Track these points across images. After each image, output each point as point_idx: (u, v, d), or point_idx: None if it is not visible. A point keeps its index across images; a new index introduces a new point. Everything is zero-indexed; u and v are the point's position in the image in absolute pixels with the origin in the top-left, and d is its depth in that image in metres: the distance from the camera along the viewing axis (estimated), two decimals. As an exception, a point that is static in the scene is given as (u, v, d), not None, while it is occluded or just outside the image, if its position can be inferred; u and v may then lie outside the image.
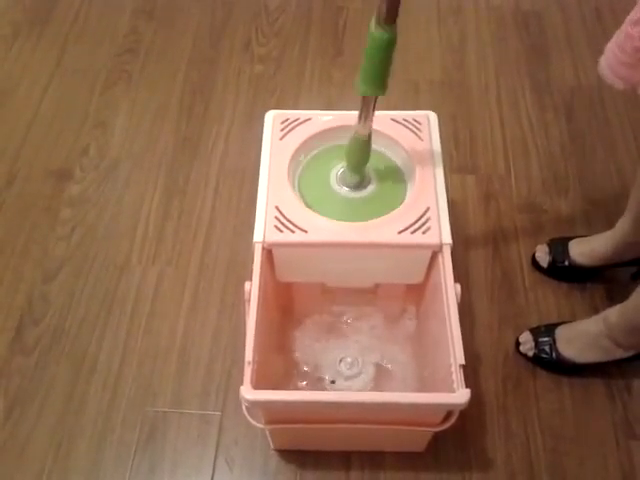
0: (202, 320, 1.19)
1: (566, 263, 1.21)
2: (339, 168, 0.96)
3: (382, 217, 0.89)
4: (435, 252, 0.89)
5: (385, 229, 0.87)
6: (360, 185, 0.94)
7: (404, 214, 0.89)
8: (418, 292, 1.01)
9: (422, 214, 0.89)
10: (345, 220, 0.89)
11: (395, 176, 0.98)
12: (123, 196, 1.38)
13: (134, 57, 1.64)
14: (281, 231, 0.86)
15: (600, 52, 0.82)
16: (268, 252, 0.89)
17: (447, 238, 0.87)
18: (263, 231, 0.87)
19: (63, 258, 1.28)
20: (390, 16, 0.70)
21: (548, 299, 1.22)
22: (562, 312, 1.20)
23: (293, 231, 0.86)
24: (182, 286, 1.24)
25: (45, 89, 1.58)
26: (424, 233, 0.87)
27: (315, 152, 1.00)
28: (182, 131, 1.50)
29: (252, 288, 0.83)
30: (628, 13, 0.78)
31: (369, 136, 0.88)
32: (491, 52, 1.66)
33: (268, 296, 0.94)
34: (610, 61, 0.78)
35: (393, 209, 0.90)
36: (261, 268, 0.85)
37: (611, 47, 0.79)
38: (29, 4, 1.78)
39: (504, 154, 1.45)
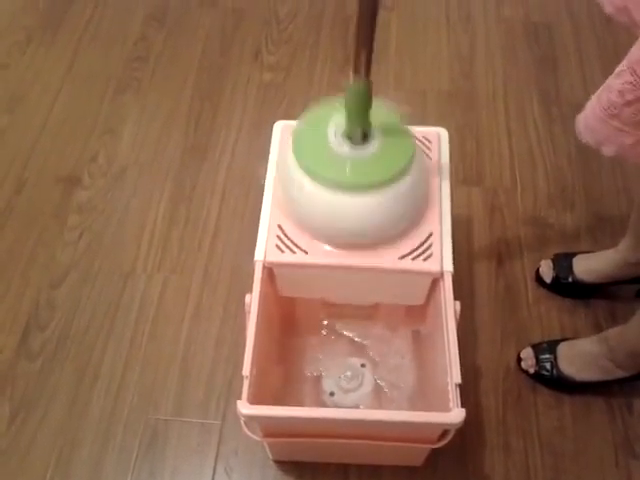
0: (205, 329, 1.20)
1: (570, 279, 1.21)
2: (338, 122, 0.86)
3: (384, 242, 0.87)
4: (436, 278, 0.89)
5: (386, 254, 0.86)
6: (362, 140, 0.84)
7: (406, 239, 0.88)
8: (419, 311, 1.01)
9: (425, 240, 0.88)
10: (348, 181, 0.82)
11: (400, 131, 0.89)
12: (130, 203, 1.40)
13: (144, 64, 1.66)
14: (282, 251, 0.87)
15: (610, 65, 0.81)
16: (269, 269, 0.90)
17: (448, 266, 0.87)
18: (264, 250, 0.88)
19: (70, 264, 1.29)
20: (366, 69, 0.75)
21: (551, 314, 1.22)
22: (565, 328, 1.20)
23: (294, 252, 0.86)
24: (186, 294, 1.25)
25: (56, 95, 1.59)
26: (425, 260, 0.86)
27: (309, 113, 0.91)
28: (190, 138, 1.51)
29: (252, 305, 0.84)
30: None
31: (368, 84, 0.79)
32: (500, 63, 1.65)
33: (269, 307, 0.95)
34: (587, 113, 0.76)
35: (400, 168, 0.83)
36: (261, 285, 0.86)
37: (590, 102, 0.77)
38: (42, 10, 1.80)
39: (510, 166, 1.45)
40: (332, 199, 0.83)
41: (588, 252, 1.24)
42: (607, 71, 0.81)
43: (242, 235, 1.34)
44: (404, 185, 0.84)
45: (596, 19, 1.74)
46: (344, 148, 0.84)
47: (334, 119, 0.86)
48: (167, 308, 1.23)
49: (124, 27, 1.74)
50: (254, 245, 0.90)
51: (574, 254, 1.24)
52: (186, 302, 1.24)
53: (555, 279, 1.22)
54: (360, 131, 0.83)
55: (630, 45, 0.71)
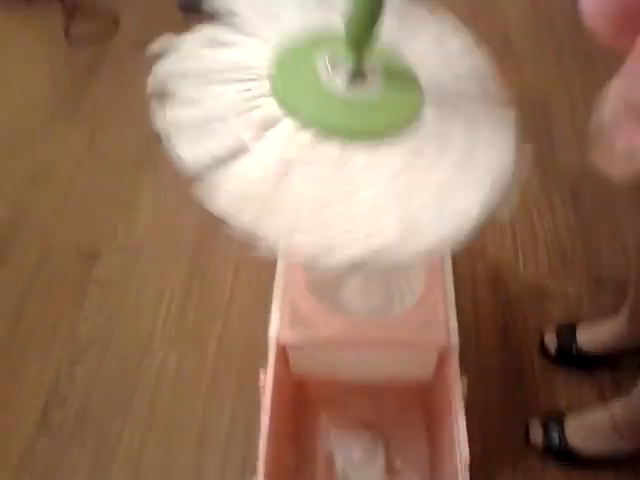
0: (219, 404, 1.24)
1: (574, 350, 1.25)
2: (330, 51, 0.71)
3: (390, 316, 0.93)
4: (442, 352, 0.94)
5: (393, 327, 0.92)
6: (360, 76, 0.69)
7: (411, 312, 0.94)
8: (428, 385, 1.05)
9: (430, 313, 0.93)
10: (343, 125, 0.67)
11: (406, 76, 0.75)
12: (147, 277, 1.45)
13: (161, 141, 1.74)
14: (295, 328, 0.92)
15: None
16: (283, 346, 0.94)
17: (454, 338, 0.92)
18: (277, 327, 0.93)
19: (89, 339, 1.34)
20: None
21: (557, 385, 1.25)
22: (571, 399, 1.23)
23: (306, 327, 0.91)
24: (201, 368, 1.29)
25: (78, 171, 1.68)
26: (431, 333, 0.91)
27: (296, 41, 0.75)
28: (206, 212, 1.57)
29: (266, 385, 0.88)
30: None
31: None
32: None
33: (283, 385, 0.99)
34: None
35: (404, 118, 0.69)
36: (275, 364, 0.90)
37: None
38: (66, 90, 1.90)
39: (512, 236, 1.51)
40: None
41: (591, 322, 1.28)
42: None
43: (255, 306, 1.38)
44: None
45: (589, 92, 1.82)
46: (337, 84, 0.69)
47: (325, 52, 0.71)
48: (183, 382, 1.27)
49: (143, 105, 1.83)
50: (267, 316, 0.95)
51: (577, 325, 1.28)
52: (201, 376, 1.28)
53: (559, 350, 1.26)
54: (357, 58, 0.69)
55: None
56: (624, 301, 1.19)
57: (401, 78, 0.74)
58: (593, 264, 1.45)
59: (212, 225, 1.62)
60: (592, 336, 1.24)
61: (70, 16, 2.14)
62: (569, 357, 1.25)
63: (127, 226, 1.55)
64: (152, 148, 1.72)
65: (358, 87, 0.70)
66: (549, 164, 1.65)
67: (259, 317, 1.36)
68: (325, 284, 0.98)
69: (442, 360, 0.96)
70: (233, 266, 1.47)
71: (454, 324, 0.93)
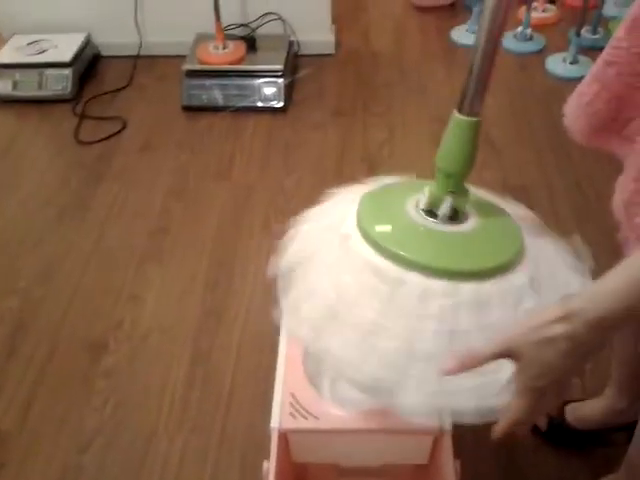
0: (223, 491, 1.27)
1: (564, 428, 1.30)
2: (420, 196, 0.73)
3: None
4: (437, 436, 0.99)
5: (388, 416, 0.97)
6: (456, 216, 0.72)
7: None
8: (424, 469, 1.10)
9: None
10: (445, 266, 0.67)
11: (497, 210, 0.78)
12: (153, 366, 1.51)
13: (166, 235, 1.85)
14: (295, 418, 0.98)
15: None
16: (284, 435, 1.00)
17: (447, 423, 0.97)
18: (279, 417, 0.99)
19: (96, 429, 1.38)
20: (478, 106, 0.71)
21: (548, 463, 1.29)
22: (563, 477, 1.27)
23: (306, 417, 0.97)
24: (204, 456, 1.33)
25: (86, 266, 1.77)
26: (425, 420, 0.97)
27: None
28: (208, 303, 1.66)
29: (269, 476, 0.93)
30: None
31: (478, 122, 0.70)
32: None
33: (285, 473, 1.03)
34: None
35: (510, 250, 0.70)
36: (278, 454, 0.96)
37: None
38: (74, 189, 2.03)
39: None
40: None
41: (579, 400, 1.33)
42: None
43: (256, 394, 1.44)
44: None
45: (567, 180, 1.95)
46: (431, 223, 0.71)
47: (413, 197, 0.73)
48: (186, 471, 1.31)
49: (147, 202, 1.96)
50: (267, 405, 1.00)
51: (566, 403, 1.34)
52: (205, 464, 1.32)
53: (550, 428, 1.31)
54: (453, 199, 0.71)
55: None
56: (609, 378, 1.25)
57: (490, 208, 0.78)
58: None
59: (213, 314, 1.70)
60: (580, 414, 1.29)
61: (79, 119, 2.30)
62: (559, 435, 1.30)
63: (133, 317, 1.63)
64: (156, 243, 1.83)
65: (452, 224, 0.72)
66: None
67: (260, 405, 1.42)
68: (322, 374, 1.04)
69: (436, 444, 1.01)
70: (235, 352, 1.53)
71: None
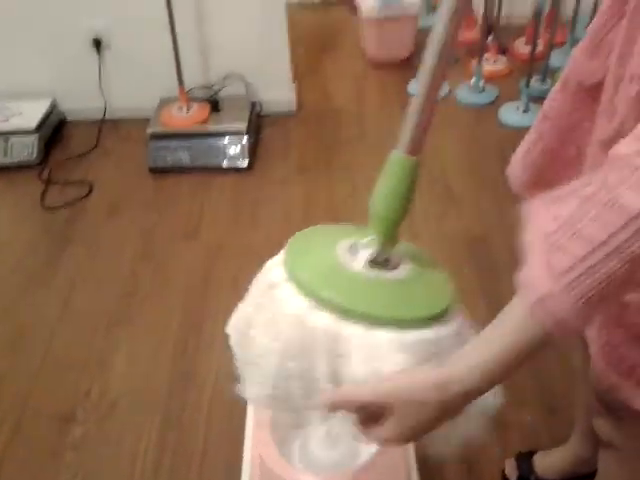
0: None
1: (532, 478, 1.31)
2: (351, 241, 0.72)
3: (355, 465, 1.00)
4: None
5: (358, 478, 0.98)
6: (388, 262, 0.71)
7: (375, 459, 1.01)
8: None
9: (392, 457, 1.01)
10: (383, 315, 0.66)
11: (429, 264, 0.77)
12: (123, 434, 1.50)
13: (133, 298, 1.85)
14: (264, 484, 0.98)
15: None
16: (255, 503, 1.00)
17: (415, 480, 0.99)
18: (249, 484, 0.99)
19: (65, 504, 1.36)
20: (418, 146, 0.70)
21: (521, 515, 1.30)
22: (536, 528, 1.28)
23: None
24: (178, 526, 1.32)
25: (53, 333, 1.75)
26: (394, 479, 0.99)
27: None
28: (177, 365, 1.66)
29: None
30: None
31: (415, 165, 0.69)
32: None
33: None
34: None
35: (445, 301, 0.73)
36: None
37: None
38: (41, 253, 2.03)
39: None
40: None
41: (547, 449, 1.36)
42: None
43: (229, 455, 1.42)
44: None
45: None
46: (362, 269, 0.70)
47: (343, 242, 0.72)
48: (160, 542, 1.29)
49: (115, 265, 1.97)
50: (240, 466, 1.00)
51: (534, 452, 1.36)
52: (178, 535, 1.30)
53: (519, 479, 1.32)
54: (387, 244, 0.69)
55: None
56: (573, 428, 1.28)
57: (423, 260, 0.76)
58: (546, 394, 1.54)
59: (184, 376, 1.69)
60: (548, 463, 1.31)
61: (46, 184, 2.31)
62: (530, 486, 1.32)
63: (101, 384, 1.61)
64: (124, 306, 1.83)
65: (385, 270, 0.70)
66: (495, 298, 1.79)
67: (233, 467, 1.40)
68: (291, 436, 1.05)
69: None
70: (205, 416, 1.52)
71: (414, 466, 1.01)
